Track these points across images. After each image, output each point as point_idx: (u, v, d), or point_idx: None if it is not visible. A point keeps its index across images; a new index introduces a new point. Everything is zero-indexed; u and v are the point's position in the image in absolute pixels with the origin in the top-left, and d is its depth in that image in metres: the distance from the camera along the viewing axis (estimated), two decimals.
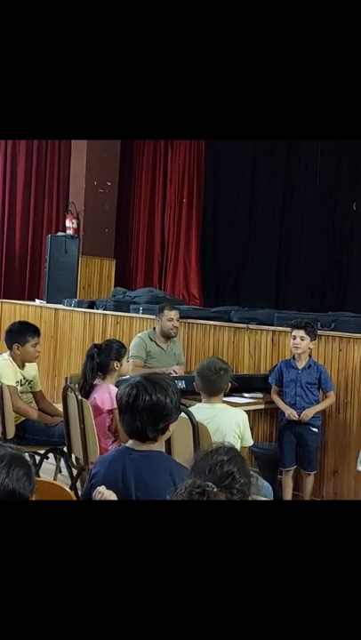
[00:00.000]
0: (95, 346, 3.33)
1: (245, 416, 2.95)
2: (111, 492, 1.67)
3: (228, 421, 2.87)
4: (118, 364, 3.26)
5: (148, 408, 1.82)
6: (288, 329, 4.05)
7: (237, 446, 2.82)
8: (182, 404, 3.18)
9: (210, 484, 1.32)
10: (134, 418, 1.84)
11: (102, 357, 3.25)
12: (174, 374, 3.96)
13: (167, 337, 4.30)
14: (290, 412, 3.56)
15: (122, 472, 1.82)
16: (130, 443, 1.90)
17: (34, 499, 1.36)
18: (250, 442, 2.95)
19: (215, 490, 1.31)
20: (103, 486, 1.68)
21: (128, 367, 3.47)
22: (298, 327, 3.61)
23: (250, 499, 1.44)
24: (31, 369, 3.78)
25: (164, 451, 1.92)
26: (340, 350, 3.85)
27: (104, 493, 1.66)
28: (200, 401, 3.16)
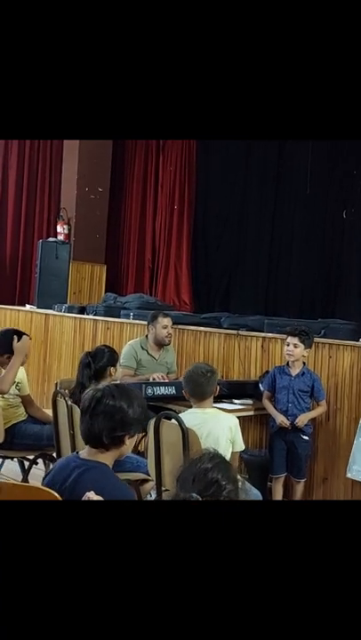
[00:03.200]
0: (88, 354, 3.33)
1: (236, 420, 2.96)
2: (99, 497, 1.66)
3: (219, 426, 2.88)
4: (113, 370, 3.30)
5: (109, 412, 1.79)
6: (278, 335, 4.06)
7: (229, 452, 2.82)
8: (172, 410, 3.21)
9: (193, 495, 1.30)
10: (93, 420, 1.81)
11: (97, 364, 3.26)
12: (157, 380, 3.95)
13: (161, 345, 4.28)
14: (282, 420, 3.56)
15: (66, 478, 1.81)
16: (82, 450, 1.88)
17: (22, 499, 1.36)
18: (241, 446, 2.96)
19: (199, 500, 1.29)
20: (92, 492, 1.67)
21: (121, 372, 3.48)
22: (292, 334, 3.60)
23: None
24: (19, 372, 3.75)
25: (109, 464, 1.85)
26: (329, 357, 3.87)
27: (92, 499, 1.65)
28: (190, 407, 3.16)
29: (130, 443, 1.87)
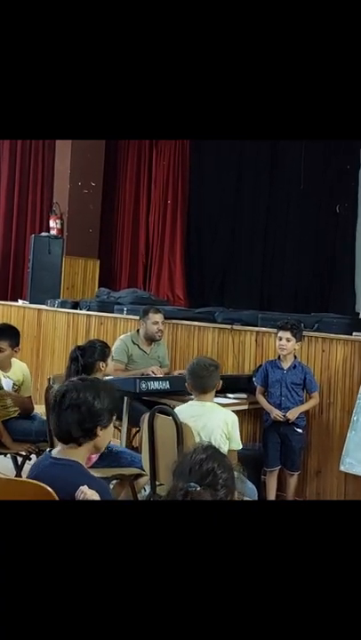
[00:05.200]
0: (78, 348, 3.30)
1: (235, 417, 2.95)
2: (93, 491, 1.66)
3: (215, 419, 2.88)
4: (104, 365, 3.25)
5: (75, 406, 1.78)
6: (272, 330, 4.06)
7: (225, 447, 2.81)
8: (165, 404, 3.21)
9: (192, 484, 1.32)
10: (59, 416, 1.80)
11: (87, 358, 3.23)
12: (153, 375, 3.94)
13: (151, 340, 4.27)
14: (276, 414, 3.57)
15: (39, 475, 1.80)
16: (55, 449, 1.86)
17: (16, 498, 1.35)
18: (238, 444, 2.94)
19: (198, 489, 1.30)
20: (85, 486, 1.66)
21: (112, 367, 3.46)
22: (284, 328, 3.61)
23: (236, 492, 1.44)
24: (18, 372, 3.74)
25: (81, 461, 1.83)
26: (323, 351, 3.88)
27: (86, 493, 1.65)
28: (184, 402, 3.16)
29: (104, 434, 1.84)
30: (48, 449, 1.93)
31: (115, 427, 3.56)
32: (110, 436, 1.90)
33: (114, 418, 1.89)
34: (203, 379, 2.93)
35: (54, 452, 1.85)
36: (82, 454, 1.83)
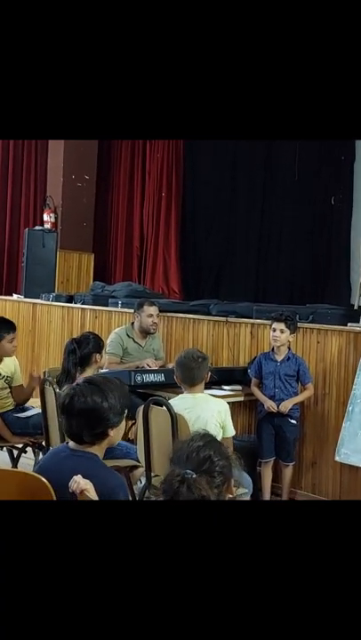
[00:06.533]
0: (74, 340, 3.32)
1: (227, 406, 2.97)
2: (87, 480, 1.67)
3: (208, 410, 2.90)
4: (99, 357, 3.28)
5: (84, 412, 1.80)
6: (267, 322, 4.07)
7: (219, 436, 2.83)
8: (160, 397, 3.21)
9: (188, 470, 1.33)
10: (70, 421, 1.82)
11: (82, 350, 3.25)
12: (148, 367, 3.95)
13: (146, 333, 4.27)
14: (270, 405, 3.58)
15: (55, 466, 1.82)
16: (72, 442, 1.88)
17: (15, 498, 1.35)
18: (232, 432, 2.98)
19: (195, 476, 1.31)
20: (79, 475, 1.67)
21: (106, 360, 3.47)
22: (278, 320, 3.62)
23: (233, 480, 1.45)
24: (10, 364, 3.75)
25: (99, 455, 1.87)
26: (318, 342, 3.88)
27: (80, 482, 1.66)
28: (179, 394, 3.16)
29: (116, 432, 1.87)
30: (66, 442, 1.94)
31: None
32: (122, 431, 1.91)
33: (125, 414, 1.90)
34: (192, 371, 2.93)
35: (72, 445, 1.87)
36: (98, 449, 1.86)
